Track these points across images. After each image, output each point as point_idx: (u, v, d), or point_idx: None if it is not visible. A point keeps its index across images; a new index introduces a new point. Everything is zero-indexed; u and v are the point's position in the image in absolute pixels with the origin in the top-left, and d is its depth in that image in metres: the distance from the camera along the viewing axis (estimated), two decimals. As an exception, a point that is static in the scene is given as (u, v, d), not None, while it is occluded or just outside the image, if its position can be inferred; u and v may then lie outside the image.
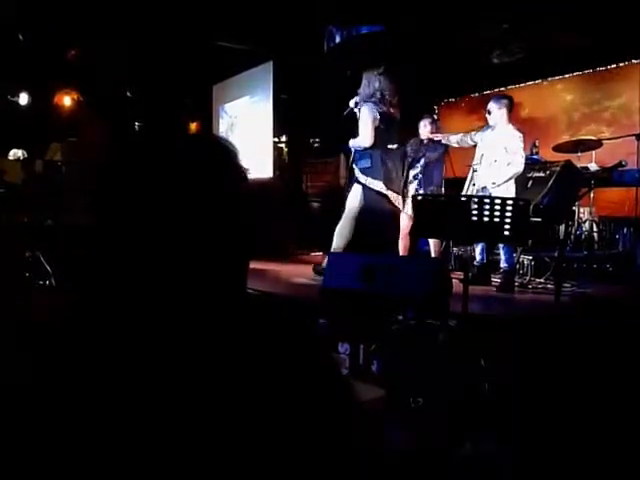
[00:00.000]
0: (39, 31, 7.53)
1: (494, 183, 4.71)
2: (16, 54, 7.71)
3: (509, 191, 4.64)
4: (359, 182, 4.73)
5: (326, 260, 4.68)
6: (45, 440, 0.66)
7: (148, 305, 0.72)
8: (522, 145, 4.73)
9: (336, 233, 4.74)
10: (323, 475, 0.73)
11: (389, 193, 4.70)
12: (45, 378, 0.70)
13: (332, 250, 4.69)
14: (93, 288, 0.74)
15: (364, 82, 4.75)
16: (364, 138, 4.65)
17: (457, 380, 2.62)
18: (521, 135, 4.76)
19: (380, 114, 4.65)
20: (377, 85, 4.68)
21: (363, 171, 4.71)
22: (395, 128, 4.82)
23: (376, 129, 4.63)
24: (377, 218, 4.72)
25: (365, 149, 4.69)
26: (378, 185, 4.66)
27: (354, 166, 4.82)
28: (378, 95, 4.67)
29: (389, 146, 4.75)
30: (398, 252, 5.22)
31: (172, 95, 8.70)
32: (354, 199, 4.72)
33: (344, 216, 4.73)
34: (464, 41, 6.72)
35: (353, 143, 4.82)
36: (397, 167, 4.85)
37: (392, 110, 4.75)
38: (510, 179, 4.68)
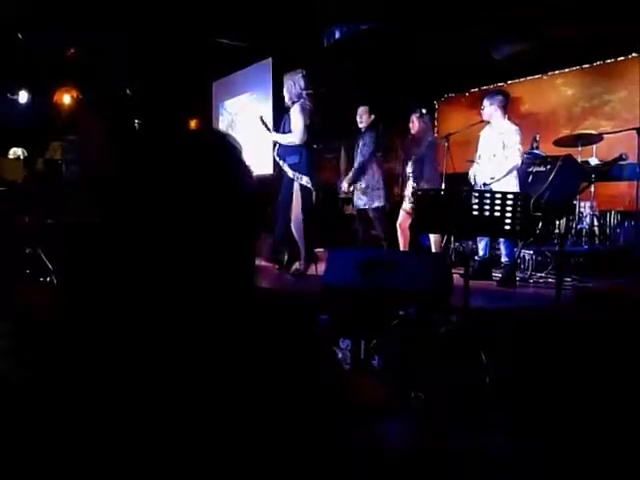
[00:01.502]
0: (38, 29, 7.52)
1: (492, 178, 4.71)
2: (15, 53, 7.70)
3: (509, 185, 4.63)
4: (289, 177, 4.87)
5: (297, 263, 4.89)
6: (42, 438, 0.66)
7: (153, 303, 0.72)
8: (519, 139, 4.73)
9: (294, 229, 4.87)
10: (323, 471, 0.73)
11: (314, 190, 4.87)
12: (45, 377, 0.70)
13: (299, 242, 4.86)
14: (96, 287, 0.74)
15: (288, 83, 4.90)
16: (296, 136, 4.78)
17: (458, 375, 2.62)
18: (518, 129, 4.76)
19: (310, 113, 4.82)
20: (303, 84, 4.84)
21: (292, 166, 4.84)
22: (315, 127, 4.96)
23: (306, 127, 4.77)
24: (312, 213, 4.89)
25: (294, 146, 4.81)
26: (305, 180, 4.80)
27: (280, 161, 4.95)
28: (304, 94, 4.82)
29: (314, 146, 4.96)
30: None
31: (172, 93, 8.69)
32: (296, 197, 4.84)
33: (293, 214, 4.85)
34: (463, 36, 6.70)
35: (282, 140, 4.92)
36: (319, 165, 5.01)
37: (314, 109, 4.89)
38: (509, 173, 4.68)
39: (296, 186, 4.81)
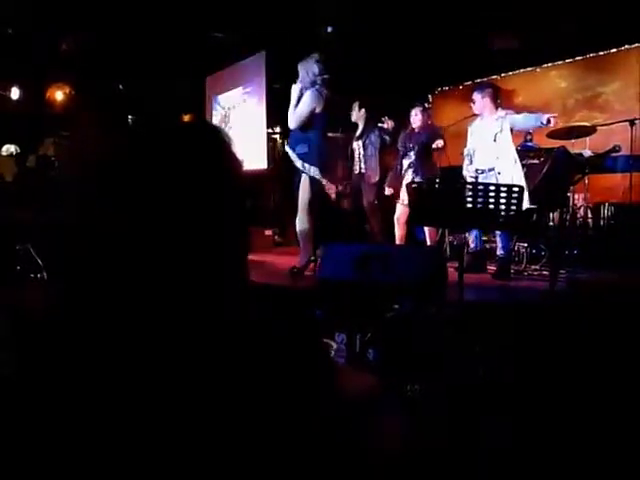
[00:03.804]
0: (30, 25, 7.48)
1: (498, 158, 4.73)
2: (7, 48, 7.66)
3: (516, 168, 4.71)
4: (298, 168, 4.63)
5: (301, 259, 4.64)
6: (32, 438, 0.66)
7: (148, 299, 0.71)
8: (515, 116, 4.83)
9: (297, 224, 4.64)
10: (317, 466, 0.73)
11: (324, 181, 4.56)
12: (38, 373, 0.69)
13: (299, 238, 4.65)
14: (88, 283, 0.73)
15: (302, 72, 4.59)
16: (290, 119, 4.54)
17: (453, 367, 2.63)
18: (509, 111, 4.86)
19: (324, 100, 4.51)
20: (316, 70, 4.53)
21: (300, 156, 4.56)
22: (336, 114, 4.72)
23: (316, 114, 4.50)
24: (319, 208, 4.64)
25: (304, 134, 4.55)
26: (314, 171, 4.50)
27: (289, 150, 4.68)
28: (319, 81, 4.52)
29: (329, 134, 4.66)
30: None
31: (165, 87, 8.66)
32: (303, 190, 4.59)
33: (299, 208, 4.61)
34: (457, 29, 6.70)
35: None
36: (337, 155, 4.73)
37: (333, 95, 4.61)
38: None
39: (304, 178, 4.56)
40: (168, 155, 0.75)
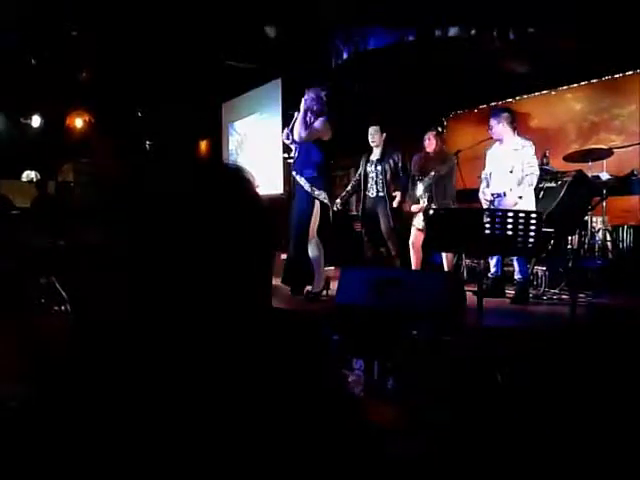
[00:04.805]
0: (50, 53, 7.66)
1: (511, 190, 4.70)
2: (28, 77, 7.83)
3: (529, 200, 4.67)
4: (305, 191, 4.72)
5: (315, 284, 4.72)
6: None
7: (169, 323, 0.72)
8: (533, 151, 4.74)
9: (309, 251, 4.72)
10: None
11: (330, 207, 4.79)
12: (56, 409, 0.70)
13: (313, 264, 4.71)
14: (109, 307, 0.74)
15: (311, 97, 4.74)
16: (303, 131, 4.66)
17: (473, 396, 2.60)
18: (531, 142, 4.78)
19: (332, 131, 4.73)
20: (324, 101, 4.74)
21: (309, 180, 4.69)
22: (338, 141, 4.91)
23: (324, 142, 4.71)
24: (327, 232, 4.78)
25: (311, 158, 4.70)
26: (322, 195, 4.66)
27: (296, 176, 4.81)
28: (325, 111, 4.72)
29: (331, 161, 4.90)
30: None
31: (182, 113, 8.79)
32: (314, 216, 4.68)
33: (310, 235, 4.69)
34: (471, 52, 6.74)
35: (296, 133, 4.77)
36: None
37: (336, 124, 4.82)
38: (530, 186, 4.69)
39: (316, 203, 4.66)
40: (192, 183, 0.76)
